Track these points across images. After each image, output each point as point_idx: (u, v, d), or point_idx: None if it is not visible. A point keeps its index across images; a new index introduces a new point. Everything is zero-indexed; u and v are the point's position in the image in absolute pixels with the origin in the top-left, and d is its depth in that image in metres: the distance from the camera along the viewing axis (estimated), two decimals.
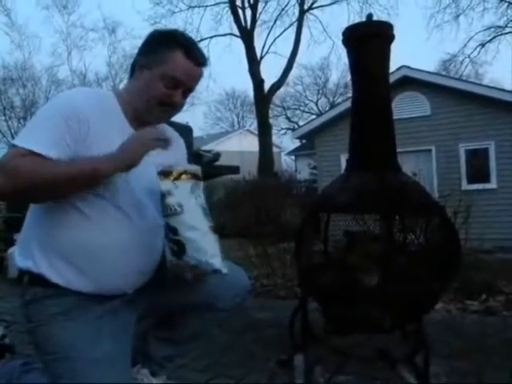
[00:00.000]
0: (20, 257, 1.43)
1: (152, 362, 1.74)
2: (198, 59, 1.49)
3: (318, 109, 34.30)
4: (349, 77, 2.33)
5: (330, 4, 20.74)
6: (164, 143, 1.41)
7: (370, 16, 2.20)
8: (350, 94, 2.65)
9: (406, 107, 9.81)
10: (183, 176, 1.38)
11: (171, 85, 1.45)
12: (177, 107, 1.51)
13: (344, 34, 2.23)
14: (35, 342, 1.43)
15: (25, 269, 1.41)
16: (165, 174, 1.37)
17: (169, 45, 1.45)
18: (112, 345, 1.40)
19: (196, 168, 1.43)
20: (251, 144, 24.98)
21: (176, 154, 1.61)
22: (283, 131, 35.56)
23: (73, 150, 1.33)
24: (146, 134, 1.40)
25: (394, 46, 2.21)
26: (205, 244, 1.36)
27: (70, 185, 1.32)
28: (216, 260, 1.37)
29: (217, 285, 1.54)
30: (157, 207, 1.45)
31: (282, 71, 19.38)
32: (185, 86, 1.48)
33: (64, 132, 1.32)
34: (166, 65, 1.43)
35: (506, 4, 19.15)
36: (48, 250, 1.38)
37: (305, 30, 20.30)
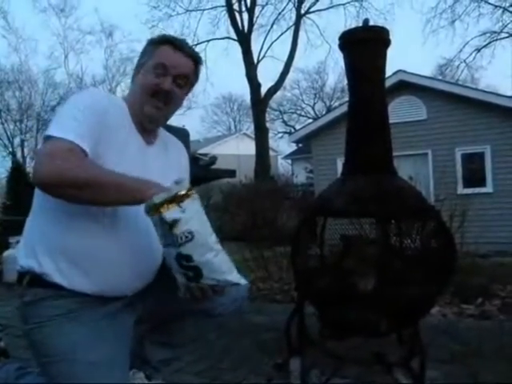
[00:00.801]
0: (22, 256, 1.43)
1: (148, 365, 1.74)
2: (187, 51, 1.51)
3: (315, 113, 34.35)
4: (345, 81, 2.35)
5: (327, 8, 20.79)
6: None
7: (366, 21, 2.22)
8: (346, 98, 2.66)
9: (403, 111, 9.84)
10: (185, 197, 1.28)
11: (159, 73, 1.46)
12: (169, 96, 1.48)
13: (341, 38, 2.25)
14: (33, 343, 1.42)
15: (27, 268, 1.40)
16: (168, 201, 1.26)
17: (157, 43, 1.51)
18: (111, 347, 1.40)
19: (190, 188, 1.33)
20: (248, 147, 24.99)
21: (180, 161, 1.65)
22: (280, 135, 35.62)
23: (96, 143, 1.34)
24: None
25: (390, 51, 2.23)
26: (219, 263, 1.32)
27: (113, 194, 1.27)
28: (233, 276, 1.34)
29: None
30: None
31: (278, 75, 19.41)
32: (174, 73, 1.48)
33: (92, 126, 1.34)
34: (154, 57, 1.48)
35: (501, 10, 19.30)
36: (52, 250, 1.38)
37: (302, 34, 20.34)
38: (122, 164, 1.36)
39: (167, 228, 1.25)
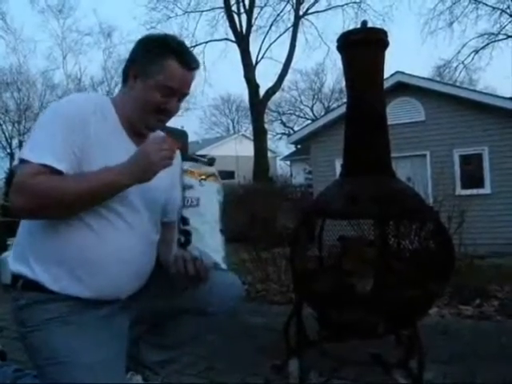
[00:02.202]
0: (14, 262, 1.42)
1: (145, 367, 1.74)
2: (191, 64, 1.49)
3: (313, 114, 34.40)
4: (344, 82, 2.35)
5: (325, 10, 20.86)
6: (171, 154, 1.39)
7: (364, 23, 2.22)
8: (344, 100, 2.66)
9: (401, 113, 9.85)
10: (211, 178, 1.48)
11: (167, 93, 1.45)
12: (172, 114, 1.52)
13: (339, 40, 2.25)
14: (29, 347, 1.42)
15: (19, 274, 1.40)
16: (193, 172, 1.47)
17: (161, 53, 1.44)
18: (107, 350, 1.40)
19: (219, 176, 1.53)
20: (246, 149, 25.00)
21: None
22: (278, 136, 35.65)
23: (78, 157, 1.34)
24: (156, 153, 1.35)
25: (388, 52, 2.23)
26: (210, 238, 1.42)
27: (91, 199, 1.33)
28: (217, 255, 1.42)
29: (209, 289, 1.54)
30: (152, 217, 1.50)
31: (277, 76, 19.44)
32: (180, 93, 1.49)
33: (72, 142, 1.33)
34: (160, 75, 1.43)
35: (499, 12, 19.36)
36: (44, 256, 1.37)
37: (300, 36, 20.47)
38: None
39: (182, 190, 1.45)
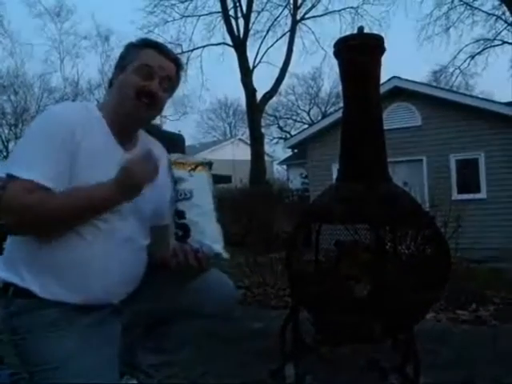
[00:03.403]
0: (4, 270, 1.41)
1: (140, 371, 1.73)
2: (170, 54, 1.53)
3: (310, 118, 34.42)
4: (340, 87, 2.36)
5: (322, 15, 20.89)
6: (155, 172, 1.40)
7: (361, 28, 2.23)
8: (341, 104, 2.67)
9: (397, 118, 9.89)
10: (200, 167, 1.49)
11: (146, 74, 1.45)
12: (155, 99, 1.48)
13: (335, 45, 2.26)
14: (21, 353, 1.41)
15: (9, 282, 1.39)
16: (181, 163, 1.48)
17: (139, 46, 1.51)
18: (99, 355, 1.39)
19: (209, 161, 1.54)
20: (243, 153, 25.01)
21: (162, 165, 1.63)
22: (275, 140, 35.64)
23: (67, 171, 1.35)
24: (141, 174, 1.36)
25: (385, 57, 2.24)
26: (209, 229, 1.43)
27: (80, 217, 1.36)
28: (217, 245, 1.44)
29: (201, 290, 1.55)
30: (140, 223, 1.50)
31: (274, 81, 19.46)
32: (160, 76, 1.48)
33: (62, 155, 1.33)
34: (137, 59, 1.46)
35: (495, 18, 19.47)
36: (33, 263, 1.37)
37: (297, 40, 20.47)
38: (100, 177, 1.36)
39: (173, 184, 1.45)
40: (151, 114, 1.53)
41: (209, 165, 1.54)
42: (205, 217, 1.44)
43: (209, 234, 1.43)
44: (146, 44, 1.51)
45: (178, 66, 1.55)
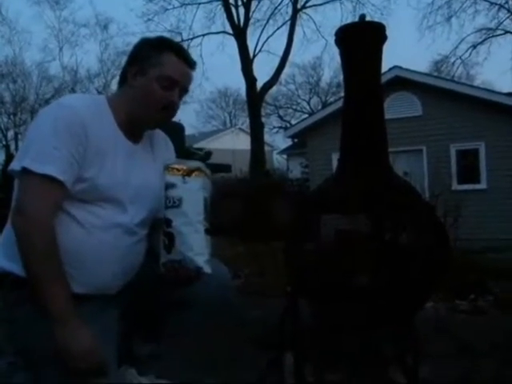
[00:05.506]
0: (2, 258, 1.41)
1: (137, 361, 1.74)
2: (189, 60, 1.52)
3: (310, 108, 34.36)
4: (341, 76, 2.34)
5: (323, 3, 20.75)
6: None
7: (362, 16, 2.21)
8: (342, 94, 2.66)
9: (398, 107, 9.86)
10: (195, 173, 1.42)
11: (168, 85, 1.46)
12: (175, 109, 1.52)
13: (336, 34, 2.24)
14: (20, 343, 1.41)
15: (8, 271, 1.39)
16: (176, 168, 1.42)
17: (159, 48, 1.48)
18: (99, 344, 1.39)
19: (207, 169, 1.46)
20: (243, 142, 24.97)
21: (165, 155, 1.63)
22: (275, 130, 35.61)
23: (79, 164, 1.35)
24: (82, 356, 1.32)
25: (386, 46, 2.22)
26: (193, 240, 1.38)
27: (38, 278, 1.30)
28: (200, 258, 1.38)
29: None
30: (139, 214, 1.49)
31: (274, 70, 19.39)
32: (180, 86, 1.50)
33: (74, 151, 1.33)
34: (160, 66, 1.45)
35: (497, 7, 19.35)
36: None
37: (298, 29, 20.28)
38: (113, 174, 1.39)
39: (164, 189, 1.41)
40: (166, 120, 1.55)
41: (208, 168, 1.49)
42: (191, 227, 1.38)
43: (193, 246, 1.37)
44: (166, 46, 1.49)
45: (195, 69, 1.56)
